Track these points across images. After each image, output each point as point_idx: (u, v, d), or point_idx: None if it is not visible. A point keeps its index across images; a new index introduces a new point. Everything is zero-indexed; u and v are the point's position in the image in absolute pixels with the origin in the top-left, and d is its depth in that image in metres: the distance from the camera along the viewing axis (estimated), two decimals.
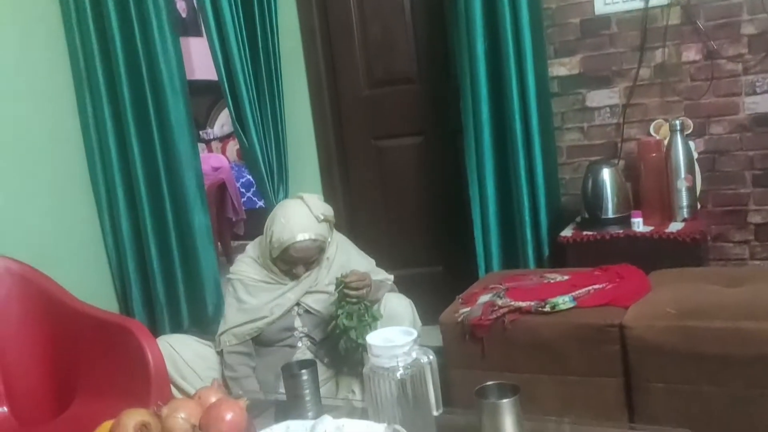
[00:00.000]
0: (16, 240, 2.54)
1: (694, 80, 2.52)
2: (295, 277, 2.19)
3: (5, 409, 1.80)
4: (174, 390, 2.03)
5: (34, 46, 2.93)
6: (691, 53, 2.51)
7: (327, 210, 2.18)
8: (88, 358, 1.76)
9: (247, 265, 2.24)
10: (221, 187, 5.01)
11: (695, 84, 2.52)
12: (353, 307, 2.07)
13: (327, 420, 1.00)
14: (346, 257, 2.25)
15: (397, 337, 1.19)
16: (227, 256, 4.97)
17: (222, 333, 2.19)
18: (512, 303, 2.04)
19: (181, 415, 1.21)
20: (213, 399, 1.28)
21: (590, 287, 2.05)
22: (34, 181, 2.87)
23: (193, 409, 1.24)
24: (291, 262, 2.15)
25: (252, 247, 2.29)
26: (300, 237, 2.09)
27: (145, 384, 1.56)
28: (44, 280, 1.89)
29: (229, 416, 1.20)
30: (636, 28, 2.56)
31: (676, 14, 2.50)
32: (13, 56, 2.81)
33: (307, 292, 2.21)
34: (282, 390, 1.61)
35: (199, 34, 5.99)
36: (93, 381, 1.73)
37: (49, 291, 1.86)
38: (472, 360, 2.06)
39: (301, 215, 2.12)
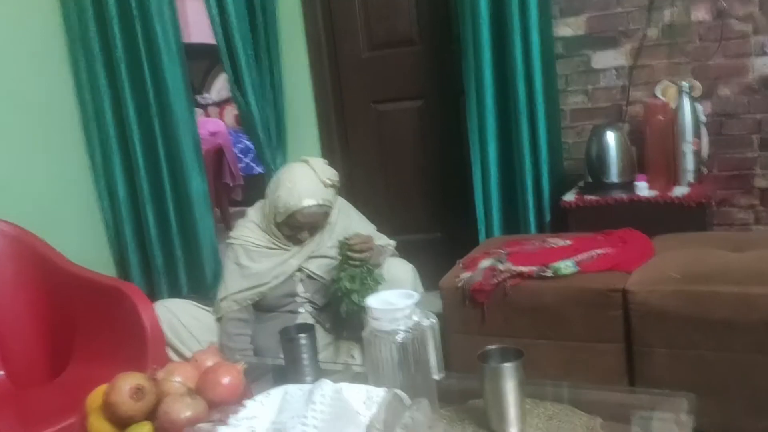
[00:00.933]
0: (9, 203, 2.49)
1: (703, 41, 2.46)
2: (298, 242, 2.15)
3: (1, 372, 1.79)
4: (172, 354, 2.01)
5: (27, 6, 2.85)
6: (701, 13, 2.44)
7: (333, 174, 2.12)
8: (84, 321, 1.73)
9: (248, 230, 2.18)
10: (218, 153, 4.95)
11: (704, 45, 2.46)
12: (355, 270, 2.05)
13: (325, 384, 0.97)
14: (348, 222, 2.21)
15: (398, 300, 1.16)
16: (225, 223, 4.94)
17: (222, 299, 2.15)
18: (514, 268, 2.01)
19: (177, 378, 1.19)
20: (210, 363, 1.25)
21: (593, 252, 2.02)
22: (28, 144, 2.82)
23: (190, 373, 1.21)
24: (296, 227, 2.11)
25: (253, 212, 2.24)
26: (307, 202, 2.04)
27: (141, 347, 1.54)
28: (38, 242, 1.85)
29: (226, 380, 1.17)
30: None
31: None
32: (5, 16, 2.73)
33: (310, 258, 2.17)
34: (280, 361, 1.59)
35: None
36: (88, 344, 1.71)
37: (44, 254, 1.83)
38: (471, 325, 2.04)
39: (308, 180, 2.07)
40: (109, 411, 1.13)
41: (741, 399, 1.75)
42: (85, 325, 1.73)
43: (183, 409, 1.11)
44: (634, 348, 1.86)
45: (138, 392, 1.13)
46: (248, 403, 1.05)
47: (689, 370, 1.77)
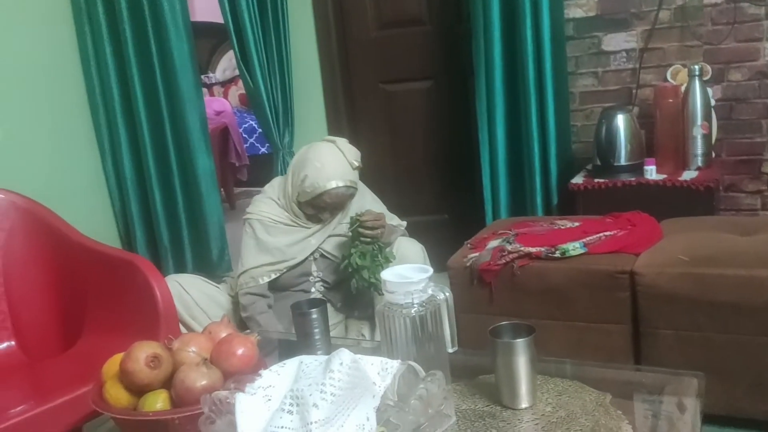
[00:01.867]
0: (18, 177, 2.50)
1: (715, 24, 2.44)
2: (318, 221, 2.14)
3: (13, 342, 1.80)
4: (182, 329, 2.02)
5: None
6: None
7: (357, 156, 2.10)
8: (95, 293, 1.74)
9: (266, 205, 2.16)
10: (224, 132, 4.95)
11: (716, 28, 2.44)
12: (367, 246, 2.05)
13: (344, 353, 0.98)
14: (362, 201, 2.20)
15: (413, 274, 1.17)
16: (230, 203, 4.95)
17: (240, 274, 2.14)
18: (522, 248, 2.01)
19: (192, 348, 1.20)
20: (223, 334, 1.26)
21: (601, 234, 2.03)
22: (35, 120, 2.81)
23: (204, 343, 1.22)
24: (320, 208, 2.10)
25: (271, 188, 2.21)
26: (335, 184, 2.02)
27: (153, 320, 1.55)
28: (50, 215, 1.86)
29: (240, 351, 1.18)
30: None
31: None
32: None
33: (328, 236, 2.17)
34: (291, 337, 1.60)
35: None
36: (100, 317, 1.72)
37: (55, 226, 1.83)
38: (479, 305, 2.05)
39: (337, 161, 2.05)
40: (126, 378, 1.15)
41: (746, 381, 1.76)
42: (97, 298, 1.74)
43: (199, 378, 1.12)
44: (640, 329, 1.87)
45: (154, 360, 1.14)
46: (264, 372, 1.06)
47: (695, 351, 1.78)
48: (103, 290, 1.73)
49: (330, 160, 2.05)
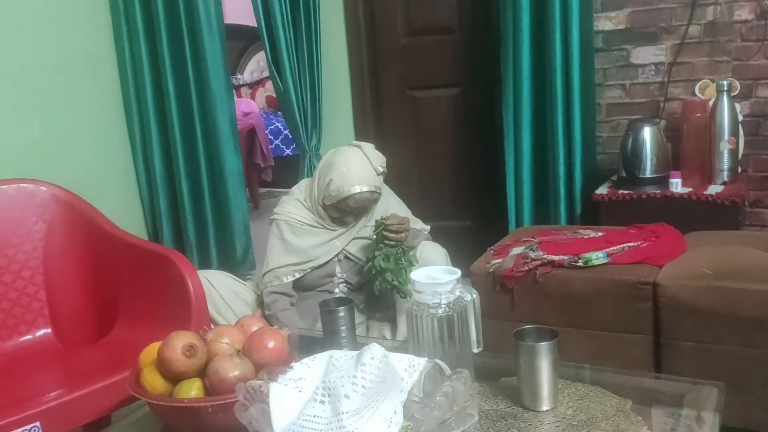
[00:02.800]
0: (52, 171, 2.57)
1: (745, 40, 2.45)
2: (343, 224, 2.18)
3: (49, 330, 1.87)
4: None
5: None
6: (744, 12, 2.44)
7: (383, 161, 2.14)
8: (130, 285, 1.80)
9: (292, 207, 2.21)
10: (251, 133, 5.02)
11: (745, 44, 2.45)
12: (390, 249, 2.08)
13: (375, 347, 1.02)
14: (387, 205, 2.24)
15: (442, 276, 1.21)
16: (254, 202, 5.01)
17: (265, 273, 2.19)
18: (545, 256, 2.03)
19: (225, 340, 1.25)
20: (255, 328, 1.31)
21: (625, 245, 2.04)
22: (72, 115, 2.90)
23: (237, 336, 1.27)
24: (345, 211, 2.14)
25: (298, 190, 2.26)
26: (359, 189, 2.06)
27: (185, 312, 1.60)
28: (89, 208, 1.92)
29: (271, 344, 1.23)
30: None
31: None
32: None
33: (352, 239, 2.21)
34: (316, 334, 1.63)
35: None
36: (133, 308, 1.77)
37: (94, 219, 1.90)
38: (501, 310, 2.07)
39: (362, 166, 2.09)
40: (163, 366, 1.19)
41: (765, 395, 1.76)
42: (131, 289, 1.80)
43: (232, 368, 1.17)
44: (661, 340, 1.88)
45: (190, 350, 1.18)
46: (295, 365, 1.10)
47: (715, 364, 1.79)
48: (137, 282, 1.78)
49: (355, 165, 2.08)
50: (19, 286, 1.85)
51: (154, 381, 1.20)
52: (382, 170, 2.12)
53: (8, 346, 1.79)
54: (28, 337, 1.84)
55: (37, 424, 1.39)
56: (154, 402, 1.19)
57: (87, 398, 1.48)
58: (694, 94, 2.53)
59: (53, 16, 2.81)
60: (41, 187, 1.91)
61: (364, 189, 2.07)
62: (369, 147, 2.16)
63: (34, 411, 1.40)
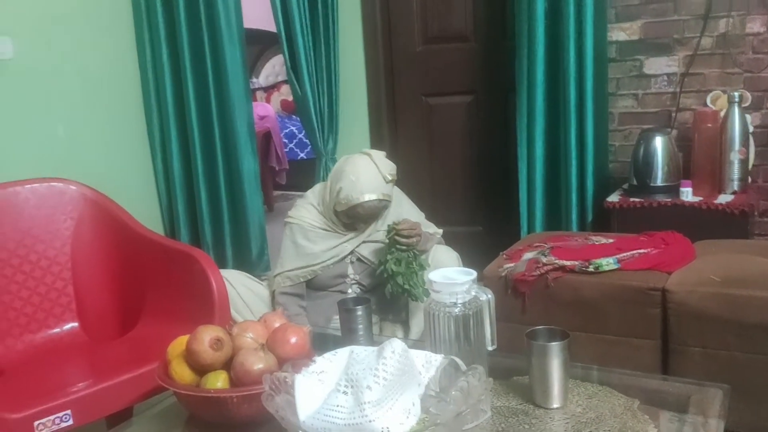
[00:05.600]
0: (76, 170, 2.64)
1: (757, 53, 2.49)
2: (354, 229, 2.23)
3: (77, 324, 1.94)
4: None
5: None
6: (756, 25, 2.48)
7: (392, 169, 2.18)
8: (154, 282, 1.86)
9: (306, 211, 2.26)
10: (266, 136, 5.09)
11: (757, 57, 2.49)
12: (402, 254, 2.13)
13: (395, 342, 1.07)
14: (400, 210, 2.29)
15: (458, 276, 1.26)
16: (268, 205, 5.07)
17: (277, 275, 2.25)
18: (556, 261, 2.08)
19: (250, 334, 1.30)
20: (277, 323, 1.36)
21: (635, 251, 2.08)
22: (94, 117, 2.98)
23: (260, 331, 1.33)
24: (355, 218, 2.19)
25: (312, 194, 2.32)
26: (368, 197, 2.10)
27: (208, 309, 1.66)
28: (115, 207, 1.99)
29: (293, 339, 1.28)
30: None
31: None
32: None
33: (362, 242, 2.26)
34: (331, 332, 1.69)
35: None
36: (157, 304, 1.83)
37: (120, 218, 1.96)
38: (512, 314, 2.11)
39: (371, 175, 2.13)
40: (191, 358, 1.25)
41: None
42: (155, 286, 1.86)
43: (256, 362, 1.22)
44: (669, 345, 1.92)
45: (217, 343, 1.24)
46: (317, 359, 1.16)
47: (722, 369, 1.83)
48: (162, 279, 1.84)
49: (364, 174, 2.13)
50: (48, 281, 1.93)
51: (182, 372, 1.26)
52: (391, 178, 2.16)
53: (37, 338, 1.86)
54: (56, 330, 1.91)
55: (68, 412, 1.45)
56: (182, 392, 1.25)
57: (114, 389, 1.54)
58: (705, 104, 2.57)
59: (78, 22, 2.89)
60: (71, 186, 1.99)
61: (373, 197, 2.11)
62: (379, 155, 2.20)
63: (65, 400, 1.47)
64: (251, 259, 3.36)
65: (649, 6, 2.62)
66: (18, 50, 2.60)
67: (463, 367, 1.14)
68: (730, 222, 2.27)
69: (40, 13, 2.72)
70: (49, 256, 1.93)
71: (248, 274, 2.41)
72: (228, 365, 1.26)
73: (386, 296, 2.23)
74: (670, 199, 2.39)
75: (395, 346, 1.05)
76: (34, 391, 1.54)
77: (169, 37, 3.19)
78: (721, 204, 2.30)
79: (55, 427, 1.45)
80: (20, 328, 1.86)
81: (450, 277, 1.26)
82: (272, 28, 3.19)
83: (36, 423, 1.43)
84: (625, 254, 2.07)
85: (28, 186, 1.96)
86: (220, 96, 3.21)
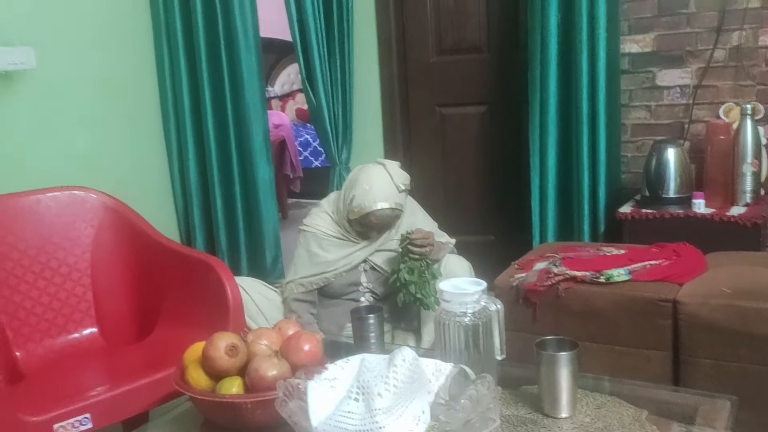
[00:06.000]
0: (95, 178, 2.70)
1: None
2: (367, 238, 2.26)
3: (95, 329, 1.98)
4: None
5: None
6: None
7: (406, 179, 2.22)
8: (171, 289, 1.90)
9: (321, 219, 2.30)
10: (281, 144, 5.14)
11: None
12: (415, 263, 2.15)
13: (406, 350, 1.10)
14: (413, 219, 2.32)
15: (468, 286, 1.28)
16: (282, 212, 5.12)
17: (290, 281, 2.29)
18: (568, 272, 2.09)
19: (264, 342, 1.33)
20: (291, 331, 1.39)
21: (646, 263, 2.09)
22: (113, 125, 3.03)
23: (275, 338, 1.36)
24: (368, 227, 2.22)
25: (327, 203, 2.35)
26: (380, 206, 2.14)
27: (223, 316, 1.70)
28: (134, 215, 2.03)
29: (307, 347, 1.31)
30: (714, 8, 2.54)
31: None
32: (99, 9, 2.95)
33: (376, 251, 2.28)
34: (343, 340, 1.71)
35: None
36: (174, 311, 1.87)
37: (139, 226, 2.01)
38: (523, 324, 2.13)
39: (384, 184, 2.16)
40: (207, 364, 1.29)
41: None
42: (172, 293, 1.90)
43: (270, 368, 1.25)
44: (680, 357, 1.93)
45: (233, 349, 1.27)
46: (330, 366, 1.18)
47: (733, 381, 1.83)
48: (179, 286, 1.88)
49: (377, 183, 2.16)
50: (68, 288, 1.97)
51: (198, 378, 1.30)
52: (404, 188, 2.19)
53: (58, 343, 1.91)
54: (76, 335, 1.96)
55: (88, 415, 1.49)
56: (198, 397, 1.28)
57: (132, 393, 1.58)
58: (718, 116, 2.58)
59: (99, 32, 2.94)
60: (91, 195, 2.04)
61: (385, 206, 2.14)
62: (393, 165, 2.23)
63: (85, 403, 1.51)
64: (266, 266, 3.39)
65: (662, 19, 2.64)
66: (41, 60, 2.66)
67: (473, 375, 1.16)
68: (742, 234, 2.27)
69: (62, 24, 2.78)
70: (69, 263, 1.98)
71: (262, 282, 2.44)
72: (243, 371, 1.29)
73: (398, 305, 2.25)
74: (682, 211, 2.40)
75: (406, 354, 1.08)
76: (54, 395, 1.58)
77: (187, 47, 3.24)
78: (733, 216, 2.31)
79: (74, 430, 1.48)
80: (41, 333, 1.91)
81: (460, 288, 1.28)
82: (288, 38, 3.23)
83: (56, 426, 1.47)
84: (636, 265, 2.08)
85: (50, 194, 2.01)
86: (236, 105, 3.26)
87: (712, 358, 1.87)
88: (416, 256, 2.16)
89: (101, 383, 1.64)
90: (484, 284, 1.29)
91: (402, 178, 2.20)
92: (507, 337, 2.12)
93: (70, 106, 2.82)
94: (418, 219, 2.34)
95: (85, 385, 1.64)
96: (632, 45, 2.71)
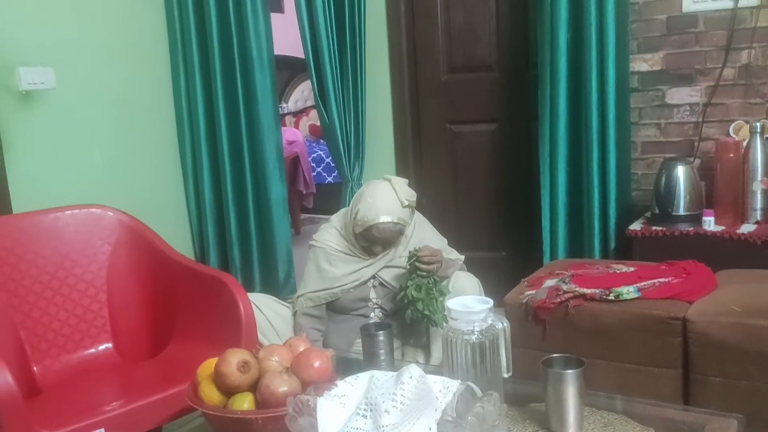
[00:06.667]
0: (112, 196, 2.75)
1: None
2: (372, 254, 2.29)
3: (110, 345, 2.02)
4: None
5: (137, 20, 3.14)
6: None
7: (411, 195, 2.25)
8: (185, 305, 1.93)
9: (330, 235, 2.34)
10: (295, 161, 5.19)
11: None
12: (423, 280, 2.17)
13: (413, 368, 1.12)
14: (423, 235, 2.34)
15: (475, 305, 1.30)
16: (295, 228, 5.16)
17: (300, 296, 2.32)
18: (577, 289, 2.10)
19: (275, 358, 1.36)
20: (302, 348, 1.42)
21: (656, 280, 2.09)
22: (128, 145, 3.09)
23: (285, 354, 1.38)
24: (371, 241, 2.24)
25: (336, 218, 2.39)
26: (383, 219, 2.16)
27: (236, 332, 1.72)
28: (149, 232, 2.08)
29: (317, 363, 1.34)
30: (723, 27, 2.56)
31: (766, 16, 2.49)
32: (117, 30, 3.02)
33: (384, 267, 2.31)
34: (353, 356, 1.73)
35: (278, 9, 6.18)
36: (188, 327, 1.90)
37: (154, 243, 2.05)
38: (532, 341, 2.14)
39: (388, 198, 2.19)
40: (219, 380, 1.31)
41: None
42: (186, 310, 1.93)
43: (281, 384, 1.28)
44: (690, 375, 1.93)
45: (244, 366, 1.30)
46: (339, 382, 1.21)
47: (742, 400, 1.83)
48: (192, 303, 1.92)
49: (381, 197, 2.19)
50: (85, 303, 2.01)
51: (210, 393, 1.32)
52: (407, 203, 2.21)
53: (73, 358, 1.95)
54: (92, 350, 1.99)
55: (102, 430, 1.52)
56: (210, 413, 1.31)
57: (145, 409, 1.61)
58: (728, 134, 2.59)
59: (117, 53, 3.01)
60: (108, 213, 2.08)
61: (387, 219, 2.17)
62: (400, 181, 2.26)
63: (99, 418, 1.54)
64: (278, 281, 3.43)
65: (671, 38, 2.66)
66: (60, 80, 2.73)
67: (479, 393, 1.18)
68: (752, 252, 2.27)
69: (81, 45, 2.85)
70: (86, 279, 2.02)
71: (275, 298, 2.47)
72: (254, 387, 1.32)
73: (407, 321, 2.27)
74: (692, 228, 2.40)
75: (413, 371, 1.10)
76: (69, 410, 1.61)
77: (202, 69, 3.30)
78: (743, 234, 2.31)
79: None
80: (58, 348, 1.95)
81: (467, 306, 1.30)
82: (302, 55, 3.28)
83: None
84: (645, 283, 2.08)
85: (68, 212, 2.06)
86: (250, 123, 3.31)
87: (721, 377, 1.87)
88: (424, 273, 2.17)
89: (116, 398, 1.67)
90: (491, 302, 1.31)
91: (407, 194, 2.23)
92: (516, 354, 2.13)
93: (88, 124, 2.88)
94: (426, 235, 2.36)
95: (100, 400, 1.67)
96: (641, 63, 2.73)
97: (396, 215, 2.19)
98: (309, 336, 2.25)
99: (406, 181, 2.30)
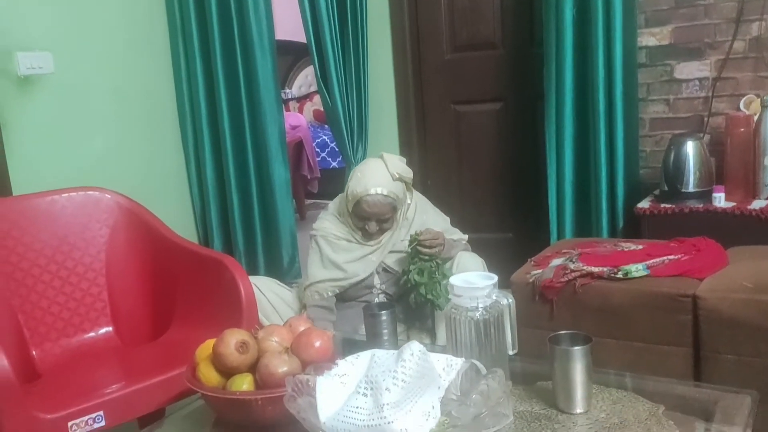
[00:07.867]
0: (113, 180, 2.73)
1: None
2: (367, 234, 2.23)
3: (110, 329, 2.00)
4: None
5: (136, 4, 3.10)
6: None
7: (404, 170, 2.21)
8: (185, 288, 1.91)
9: (329, 222, 2.30)
10: (298, 145, 5.16)
11: None
12: (425, 264, 2.14)
13: (414, 344, 1.09)
14: (425, 217, 2.30)
15: (479, 281, 1.27)
16: (300, 213, 5.14)
17: (306, 287, 2.28)
18: (584, 267, 2.06)
19: (275, 338, 1.33)
20: (302, 328, 1.39)
21: (665, 257, 2.05)
22: (130, 128, 3.06)
23: (285, 335, 1.35)
24: (364, 218, 2.19)
25: (333, 204, 2.35)
26: (372, 191, 2.13)
27: (236, 314, 1.70)
28: (148, 215, 2.05)
29: (317, 343, 1.30)
30: None
31: None
32: (116, 14, 2.99)
33: (389, 252, 2.27)
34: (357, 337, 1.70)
35: None
36: (188, 309, 1.88)
37: (153, 226, 2.02)
38: (540, 320, 2.10)
39: (377, 171, 2.17)
40: (217, 361, 1.28)
41: None
42: (186, 292, 1.91)
43: (281, 365, 1.25)
44: (701, 353, 1.89)
45: (243, 346, 1.27)
46: (340, 362, 1.18)
47: (754, 377, 1.79)
48: (193, 285, 1.89)
49: (370, 171, 2.17)
50: (84, 287, 1.99)
51: (209, 375, 1.29)
52: (398, 176, 2.17)
53: (73, 342, 1.93)
54: (91, 334, 1.97)
55: (101, 413, 1.50)
56: (209, 394, 1.28)
57: (145, 391, 1.59)
58: (738, 109, 2.53)
59: (115, 37, 2.98)
60: (106, 195, 2.05)
61: (377, 191, 2.13)
62: (391, 157, 2.23)
63: (98, 401, 1.52)
64: (283, 266, 3.41)
65: (679, 11, 2.59)
66: (58, 65, 2.70)
67: (484, 370, 1.15)
68: (763, 228, 2.23)
69: (79, 29, 2.82)
70: (85, 263, 2.00)
71: (277, 281, 2.45)
72: (253, 368, 1.29)
73: (411, 305, 2.24)
74: (702, 205, 2.35)
75: (414, 348, 1.07)
76: (68, 393, 1.59)
77: (203, 53, 3.27)
78: (754, 210, 2.26)
79: (88, 428, 1.49)
80: (57, 332, 1.93)
81: (471, 282, 1.26)
82: (304, 40, 3.24)
83: (70, 423, 1.48)
84: (654, 260, 2.04)
85: (65, 195, 2.03)
86: (251, 107, 3.28)
87: (733, 354, 1.83)
88: (426, 257, 2.14)
89: (115, 381, 1.64)
90: (494, 278, 1.27)
91: (399, 168, 2.19)
92: (523, 334, 2.09)
93: (88, 109, 2.85)
94: (429, 216, 2.33)
95: (99, 384, 1.64)
96: (649, 38, 2.67)
97: (386, 187, 2.14)
98: (321, 327, 2.22)
99: (403, 159, 2.27)
